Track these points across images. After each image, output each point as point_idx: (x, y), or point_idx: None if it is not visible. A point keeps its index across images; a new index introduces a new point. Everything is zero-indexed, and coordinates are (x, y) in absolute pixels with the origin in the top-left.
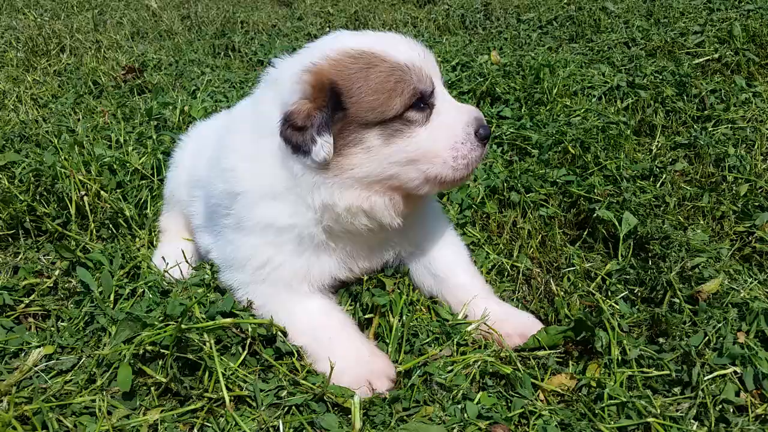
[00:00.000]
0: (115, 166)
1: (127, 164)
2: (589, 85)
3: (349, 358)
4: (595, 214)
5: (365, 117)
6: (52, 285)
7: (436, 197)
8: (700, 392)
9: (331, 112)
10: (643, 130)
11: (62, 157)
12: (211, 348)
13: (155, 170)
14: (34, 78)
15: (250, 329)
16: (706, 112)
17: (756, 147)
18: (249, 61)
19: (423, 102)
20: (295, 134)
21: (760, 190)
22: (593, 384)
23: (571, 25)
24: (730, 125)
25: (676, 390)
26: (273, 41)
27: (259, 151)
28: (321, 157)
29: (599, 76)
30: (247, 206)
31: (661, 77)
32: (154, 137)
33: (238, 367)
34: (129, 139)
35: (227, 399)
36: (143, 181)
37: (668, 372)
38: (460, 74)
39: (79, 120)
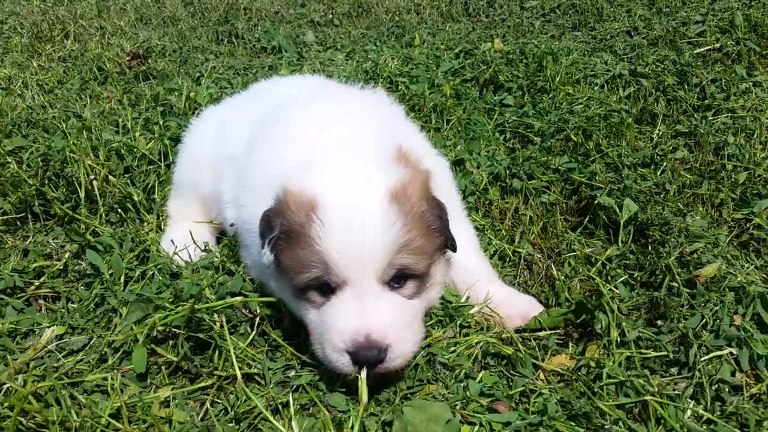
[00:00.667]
0: (122, 151)
1: (135, 149)
2: (592, 73)
3: None
4: (596, 201)
5: (283, 266)
6: (62, 267)
7: (453, 178)
8: (696, 372)
9: (278, 234)
10: (645, 119)
11: (71, 142)
12: (222, 327)
13: (162, 155)
14: (39, 64)
15: (258, 309)
16: (706, 101)
17: (755, 136)
18: (252, 48)
19: (326, 290)
20: (263, 224)
21: (758, 179)
22: (592, 364)
23: (573, 13)
24: (730, 114)
25: (674, 370)
26: (276, 28)
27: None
28: (265, 260)
29: (601, 65)
30: None
31: (662, 66)
32: (161, 123)
33: (247, 346)
34: (136, 124)
35: (239, 374)
36: (150, 167)
37: (666, 353)
38: (463, 62)
39: (85, 106)
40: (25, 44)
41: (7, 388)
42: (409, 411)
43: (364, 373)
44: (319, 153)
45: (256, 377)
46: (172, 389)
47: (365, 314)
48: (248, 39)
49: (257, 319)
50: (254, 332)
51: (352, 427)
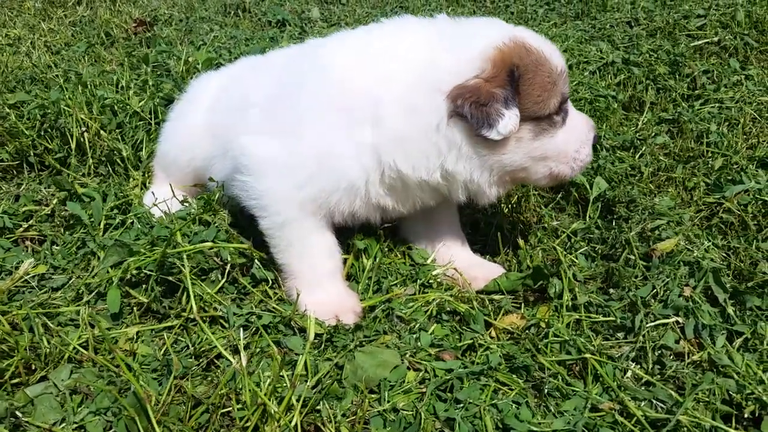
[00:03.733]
0: (116, 108)
1: (128, 107)
2: (585, 60)
3: (328, 299)
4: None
5: (525, 109)
6: (49, 213)
7: None
8: (641, 337)
9: (513, 88)
10: (633, 106)
11: (66, 96)
12: (190, 271)
13: (153, 113)
14: (50, 27)
15: (229, 257)
16: (696, 91)
17: (739, 126)
18: (258, 21)
19: (563, 106)
20: (476, 109)
21: (735, 166)
22: (542, 324)
23: (578, 2)
24: (717, 104)
25: (620, 335)
26: (283, 3)
27: (413, 101)
28: (508, 129)
29: (596, 52)
30: None
31: (656, 56)
32: (150, 82)
33: (217, 292)
34: (132, 85)
35: (195, 309)
36: (141, 122)
37: (614, 318)
38: None
39: (90, 66)
40: (38, 8)
41: None
42: (360, 356)
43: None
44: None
45: (221, 320)
46: (141, 327)
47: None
48: (255, 12)
49: (228, 266)
50: (224, 279)
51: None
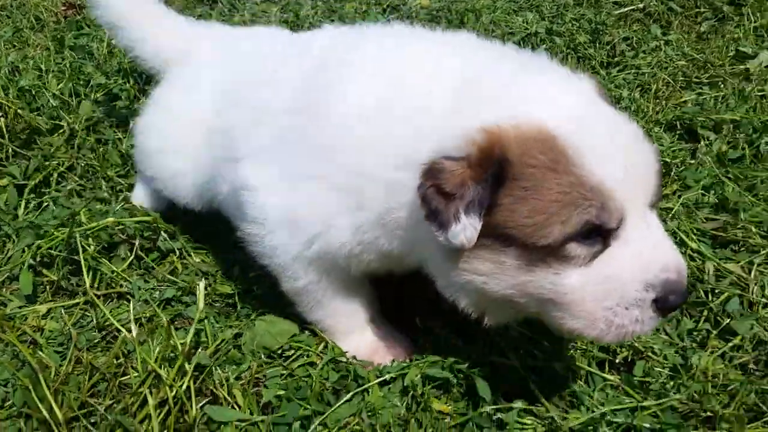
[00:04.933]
0: (34, 92)
1: (47, 90)
2: (510, 30)
3: (364, 344)
4: None
5: (509, 229)
6: None
7: None
8: None
9: (488, 192)
10: None
11: None
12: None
13: (73, 95)
14: None
15: (133, 230)
16: (616, 58)
17: (652, 91)
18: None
19: (596, 235)
20: (437, 198)
21: (642, 129)
22: None
23: None
24: (634, 70)
25: None
26: None
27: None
28: (458, 241)
29: (522, 23)
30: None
31: (578, 25)
32: (68, 64)
33: (129, 267)
34: (54, 68)
35: (88, 286)
36: (62, 105)
37: None
38: (389, 16)
39: (15, 50)
40: None
41: None
42: (260, 324)
43: (202, 284)
44: (489, 80)
45: (128, 296)
46: (51, 305)
47: (664, 246)
48: None
49: (136, 243)
50: (132, 256)
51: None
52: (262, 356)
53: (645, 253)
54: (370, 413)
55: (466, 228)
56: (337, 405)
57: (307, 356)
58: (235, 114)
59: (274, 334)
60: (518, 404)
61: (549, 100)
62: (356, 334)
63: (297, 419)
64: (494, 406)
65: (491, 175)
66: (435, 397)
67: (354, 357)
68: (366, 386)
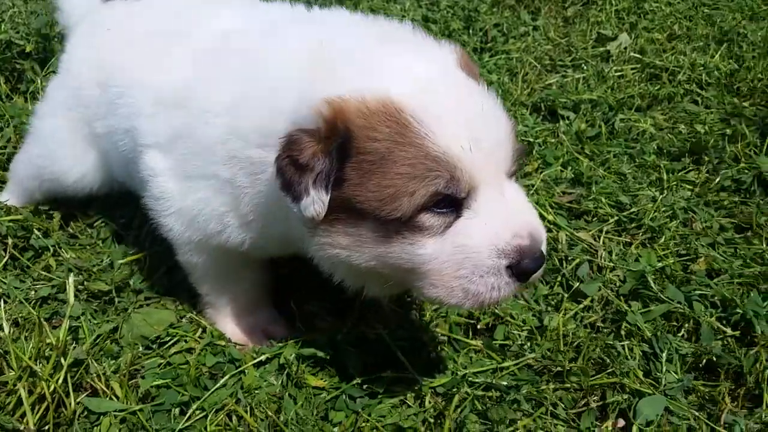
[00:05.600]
0: None
1: None
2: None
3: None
4: None
5: (359, 203)
6: None
7: None
8: None
9: (334, 165)
10: None
11: None
12: None
13: None
14: None
15: (5, 230)
16: (488, 44)
17: (519, 75)
18: None
19: (448, 205)
20: (291, 169)
21: (510, 112)
22: None
23: None
24: (505, 56)
25: None
26: None
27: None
28: (308, 213)
29: (399, 10)
30: None
31: (452, 12)
32: None
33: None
34: None
35: None
36: None
37: None
38: None
39: None
40: None
41: None
42: (136, 316)
43: (71, 279)
44: (341, 53)
45: (5, 297)
46: None
47: (517, 213)
48: None
49: (9, 242)
50: (6, 256)
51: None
52: (140, 347)
53: (496, 221)
54: (246, 393)
55: (314, 201)
56: (214, 388)
57: (185, 342)
58: (135, 94)
59: (152, 324)
60: (387, 373)
61: (398, 70)
62: (237, 317)
63: (175, 405)
64: (365, 377)
65: (335, 149)
66: (311, 375)
67: (230, 340)
68: (242, 368)
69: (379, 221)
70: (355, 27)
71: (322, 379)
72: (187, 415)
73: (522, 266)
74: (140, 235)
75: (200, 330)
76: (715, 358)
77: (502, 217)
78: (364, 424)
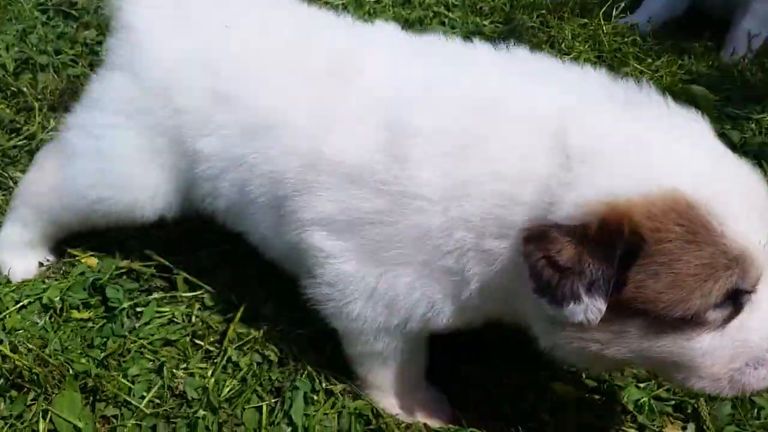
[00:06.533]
0: None
1: None
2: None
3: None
4: None
5: (641, 304)
6: None
7: None
8: None
9: (615, 272)
10: None
11: None
12: None
13: None
14: None
15: None
16: None
17: None
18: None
19: (729, 297)
20: (548, 271)
21: None
22: None
23: None
24: None
25: None
26: None
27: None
28: (577, 320)
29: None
30: None
31: None
32: None
33: None
34: None
35: None
36: None
37: None
38: None
39: None
40: None
41: None
42: None
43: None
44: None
45: None
46: None
47: None
48: None
49: None
50: None
51: None
52: None
53: None
54: (8, 334)
55: (588, 309)
56: None
57: None
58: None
59: None
60: (153, 296)
61: (675, 159)
62: (407, 392)
63: None
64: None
65: (620, 254)
66: (76, 310)
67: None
68: (4, 314)
69: (655, 319)
70: (602, 89)
71: (89, 312)
72: None
73: None
74: None
75: None
76: None
77: None
78: (132, 345)
